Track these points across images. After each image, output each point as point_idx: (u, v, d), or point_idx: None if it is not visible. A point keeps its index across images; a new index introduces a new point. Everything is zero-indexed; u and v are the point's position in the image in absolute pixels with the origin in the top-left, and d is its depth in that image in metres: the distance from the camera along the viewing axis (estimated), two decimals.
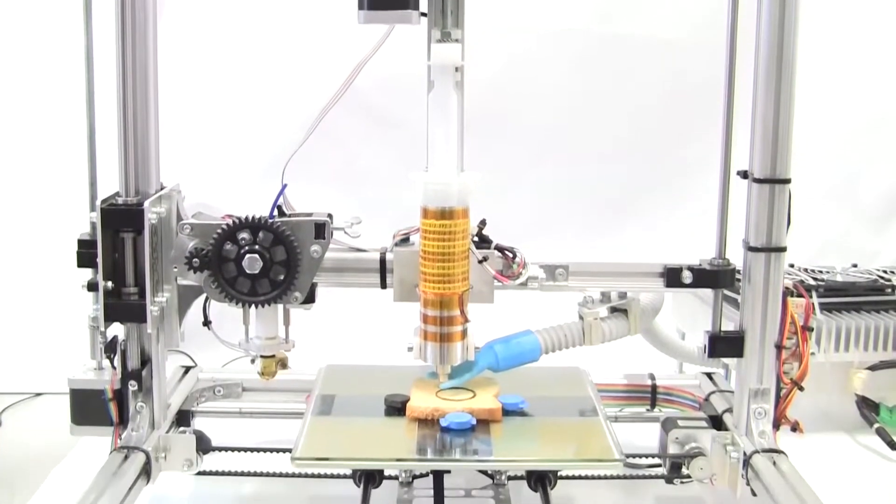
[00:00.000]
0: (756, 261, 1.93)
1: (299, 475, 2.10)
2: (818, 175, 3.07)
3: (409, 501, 1.94)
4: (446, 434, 1.87)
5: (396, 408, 1.95)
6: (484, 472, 2.02)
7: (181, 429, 2.08)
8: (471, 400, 1.95)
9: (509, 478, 2.01)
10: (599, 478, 2.12)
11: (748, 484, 1.91)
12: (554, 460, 1.87)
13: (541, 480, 1.94)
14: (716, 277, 1.98)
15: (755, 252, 1.93)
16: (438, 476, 1.94)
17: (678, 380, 2.27)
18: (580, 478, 2.11)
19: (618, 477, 2.12)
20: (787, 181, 1.91)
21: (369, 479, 1.93)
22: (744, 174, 1.94)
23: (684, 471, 1.97)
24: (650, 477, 2.08)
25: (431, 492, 1.90)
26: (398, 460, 1.85)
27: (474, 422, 1.89)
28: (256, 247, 1.86)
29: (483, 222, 1.93)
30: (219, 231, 1.87)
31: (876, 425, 2.37)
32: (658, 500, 2.12)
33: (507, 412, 1.94)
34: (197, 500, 2.11)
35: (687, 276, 1.97)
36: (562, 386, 2.10)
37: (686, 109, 3.01)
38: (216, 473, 2.11)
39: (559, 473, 1.96)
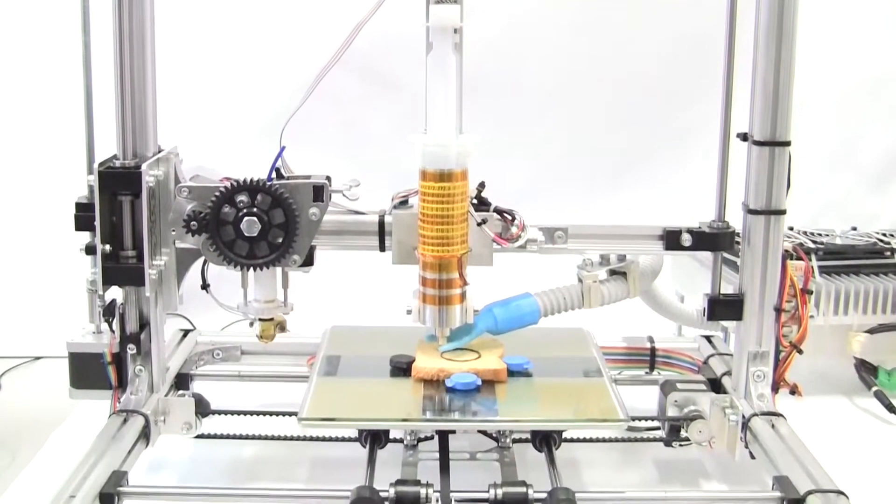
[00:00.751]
0: (756, 223, 1.93)
1: (300, 438, 2.10)
2: (818, 138, 3.06)
3: (414, 464, 1.94)
4: (451, 395, 1.87)
5: (402, 369, 1.96)
6: (489, 435, 2.03)
7: (180, 392, 2.08)
8: (476, 361, 1.96)
9: (514, 440, 2.02)
10: (600, 440, 2.12)
11: (747, 447, 1.92)
12: (559, 420, 1.88)
13: (546, 441, 1.94)
14: (715, 240, 1.98)
15: (755, 215, 1.92)
16: (443, 438, 1.95)
17: (677, 343, 2.28)
18: (581, 440, 2.11)
19: (617, 440, 2.13)
20: (787, 143, 1.90)
21: (375, 439, 1.94)
22: (743, 137, 1.93)
23: (683, 434, 1.98)
24: (649, 440, 2.09)
25: (437, 455, 1.91)
26: (404, 420, 1.86)
27: (479, 382, 1.90)
28: (255, 209, 1.85)
29: (482, 184, 1.92)
30: (217, 194, 1.86)
31: (874, 388, 2.38)
32: (657, 462, 2.12)
33: (512, 373, 1.94)
34: (196, 464, 2.11)
35: (686, 239, 1.96)
36: (566, 347, 2.11)
37: (686, 72, 2.99)
38: (215, 437, 2.12)
39: (563, 434, 1.97)
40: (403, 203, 1.95)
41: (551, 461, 1.89)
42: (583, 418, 1.87)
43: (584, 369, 2.01)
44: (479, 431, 2.03)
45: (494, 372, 1.92)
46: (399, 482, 1.75)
